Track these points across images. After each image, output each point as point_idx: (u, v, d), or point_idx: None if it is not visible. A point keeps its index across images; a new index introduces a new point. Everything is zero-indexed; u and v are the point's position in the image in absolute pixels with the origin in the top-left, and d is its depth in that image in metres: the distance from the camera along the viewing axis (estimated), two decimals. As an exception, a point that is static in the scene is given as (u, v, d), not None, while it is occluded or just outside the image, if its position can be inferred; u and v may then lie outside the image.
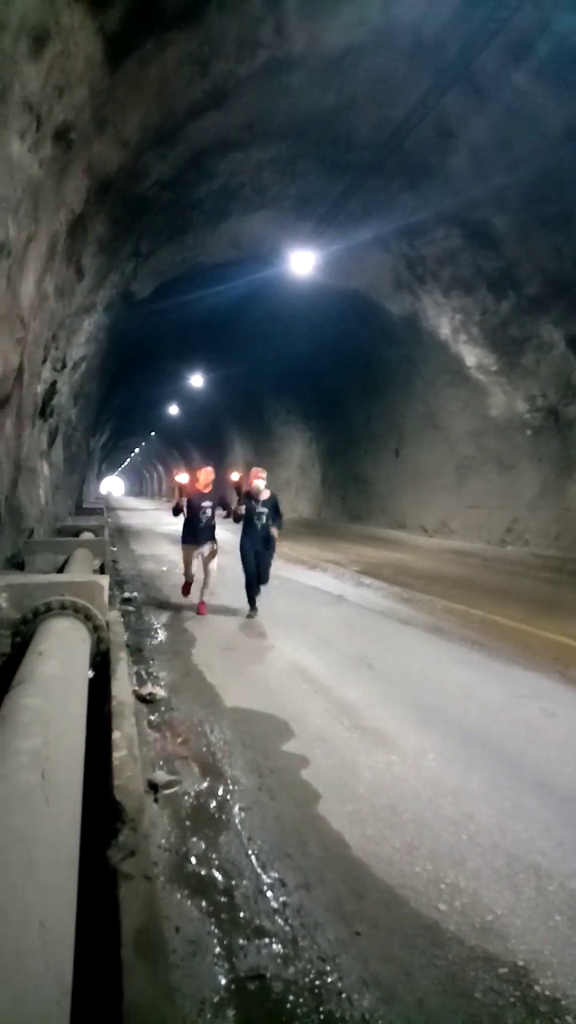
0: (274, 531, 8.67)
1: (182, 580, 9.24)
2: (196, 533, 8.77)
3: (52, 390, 9.89)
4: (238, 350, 25.03)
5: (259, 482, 8.67)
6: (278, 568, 12.94)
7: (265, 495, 8.69)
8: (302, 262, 15.31)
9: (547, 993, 2.25)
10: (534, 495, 14.92)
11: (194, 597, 8.92)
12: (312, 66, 9.19)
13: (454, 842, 3.17)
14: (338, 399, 23.62)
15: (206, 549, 8.74)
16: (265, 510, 8.57)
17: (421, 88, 9.66)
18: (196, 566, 8.87)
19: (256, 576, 8.54)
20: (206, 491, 8.91)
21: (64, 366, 10.50)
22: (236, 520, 8.63)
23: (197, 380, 30.25)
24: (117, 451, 64.97)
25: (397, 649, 6.88)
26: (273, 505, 8.69)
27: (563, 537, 13.97)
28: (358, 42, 8.92)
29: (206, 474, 8.99)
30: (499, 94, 9.73)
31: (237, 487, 8.90)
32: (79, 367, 12.49)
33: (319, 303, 19.13)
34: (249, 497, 8.58)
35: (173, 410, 40.40)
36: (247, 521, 8.54)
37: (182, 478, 9.26)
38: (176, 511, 8.88)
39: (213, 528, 8.87)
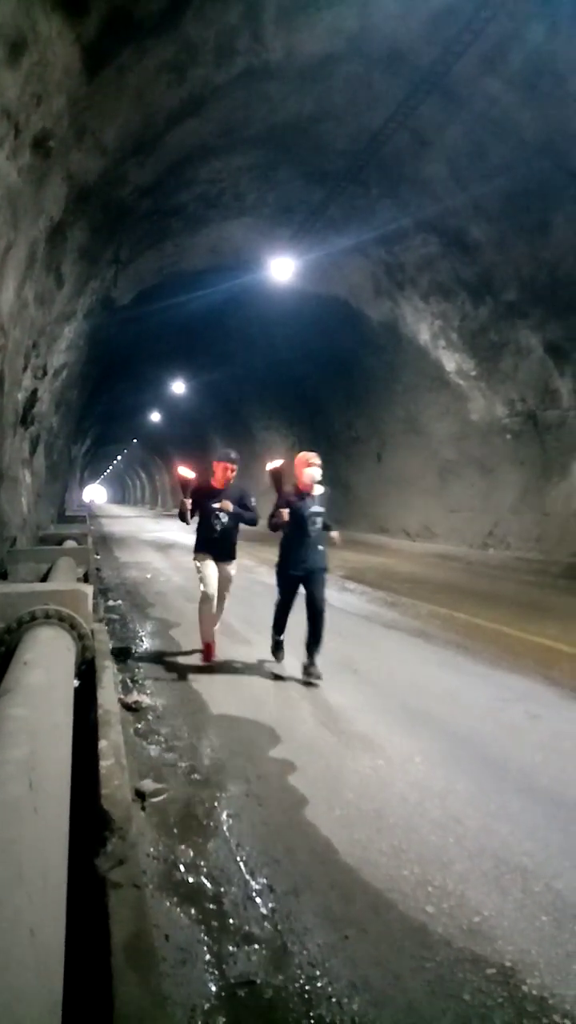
0: (335, 536, 6.52)
1: (166, 588, 8.84)
2: (210, 545, 6.70)
3: (33, 398, 9.84)
4: (219, 356, 25.06)
5: (312, 471, 6.43)
6: (262, 575, 12.94)
7: (318, 491, 6.46)
8: (282, 269, 15.38)
9: (535, 993, 2.26)
10: (515, 499, 15.04)
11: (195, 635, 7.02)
12: (289, 74, 9.25)
13: (441, 845, 3.19)
14: (320, 404, 23.69)
15: (224, 571, 6.78)
16: (320, 510, 6.32)
17: (398, 97, 9.76)
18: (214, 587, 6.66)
19: (312, 609, 6.21)
20: (224, 488, 6.78)
21: (45, 374, 10.46)
22: (277, 528, 6.23)
23: (179, 387, 30.23)
24: (99, 459, 64.69)
25: (382, 653, 6.90)
26: (327, 503, 6.51)
27: (544, 540, 14.09)
28: (335, 51, 8.99)
29: (223, 469, 6.76)
30: (474, 103, 9.84)
31: (277, 480, 6.28)
32: (60, 375, 12.44)
33: (300, 309, 19.21)
34: (300, 494, 6.33)
35: (155, 417, 40.32)
36: (295, 527, 6.18)
37: (186, 472, 6.67)
38: (182, 516, 6.68)
39: (232, 541, 6.87)
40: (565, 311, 12.46)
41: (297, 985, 2.26)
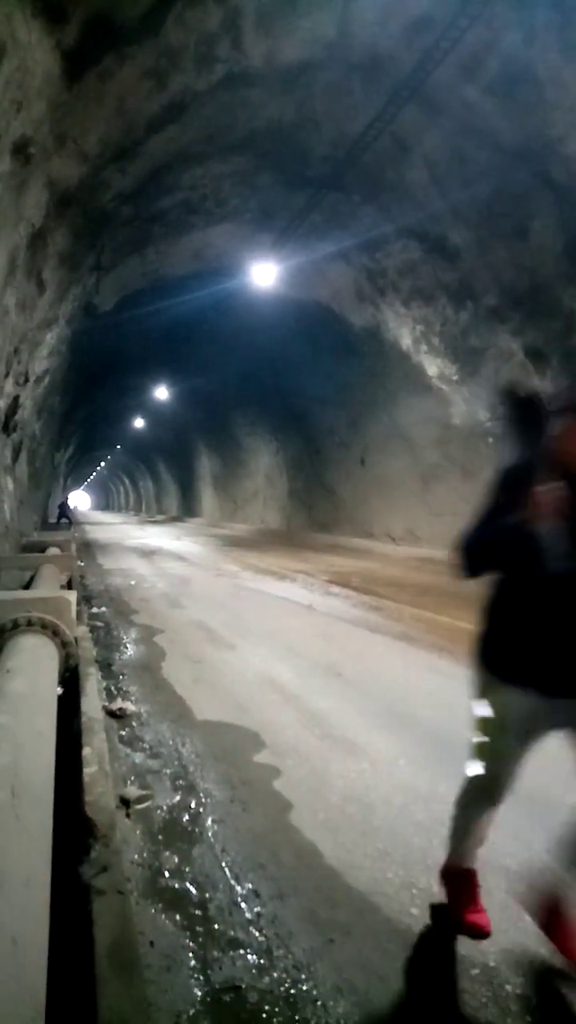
0: None
1: (150, 594, 8.72)
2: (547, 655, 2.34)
3: (15, 405, 9.80)
4: (202, 362, 25.06)
5: None
6: (246, 580, 12.95)
7: None
8: (264, 274, 15.42)
9: (518, 992, 2.28)
10: (498, 502, 15.13)
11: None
12: (270, 81, 9.30)
13: (426, 847, 3.20)
14: (303, 409, 23.75)
15: None
16: None
17: (378, 103, 9.83)
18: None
19: None
20: None
21: (27, 380, 10.42)
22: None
23: (162, 392, 30.18)
24: (83, 465, 64.40)
25: (366, 657, 6.92)
26: None
27: (527, 542, 14.18)
28: (314, 58, 9.05)
29: None
30: (453, 110, 9.93)
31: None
32: (42, 381, 12.40)
33: (282, 315, 19.26)
34: None
35: (139, 423, 40.21)
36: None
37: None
38: (497, 548, 2.50)
39: None
40: (544, 316, 12.57)
41: (282, 989, 2.27)
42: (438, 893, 2.75)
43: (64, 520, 29.46)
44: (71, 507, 31.91)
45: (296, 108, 10.28)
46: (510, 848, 3.19)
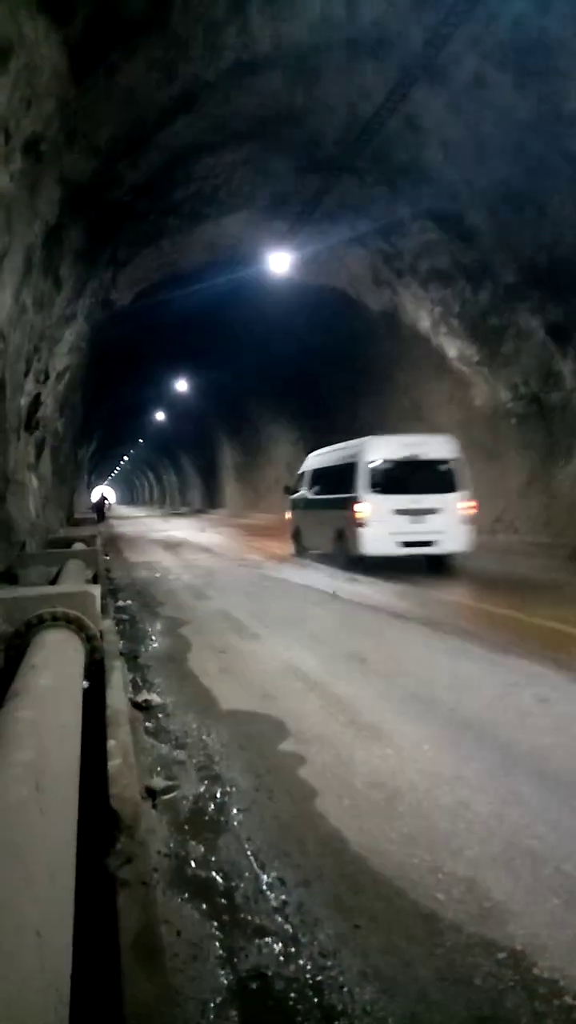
0: None
1: (176, 586, 8.81)
2: None
3: (36, 402, 9.88)
4: (221, 353, 25.06)
5: None
6: (269, 569, 12.98)
7: None
8: (280, 262, 15.37)
9: (545, 975, 2.28)
10: (522, 483, 15.00)
11: None
12: (279, 65, 9.23)
13: (451, 831, 3.20)
14: (323, 396, 23.67)
15: None
16: None
17: (388, 83, 9.72)
18: None
19: None
20: None
21: (47, 377, 10.50)
22: None
23: (181, 385, 30.27)
24: (106, 460, 64.87)
25: (390, 643, 6.92)
26: None
27: (552, 524, 14.05)
28: (323, 39, 8.96)
29: None
30: (466, 87, 9.79)
31: None
32: (63, 378, 12.48)
33: (299, 302, 19.18)
34: None
35: (159, 416, 40.39)
36: None
37: None
38: None
39: None
40: (564, 292, 12.39)
41: (308, 976, 2.29)
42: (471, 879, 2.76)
43: (101, 517, 29.64)
44: (108, 504, 32.17)
45: (306, 92, 10.19)
46: (537, 831, 3.18)
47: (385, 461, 12.08)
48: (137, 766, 3.00)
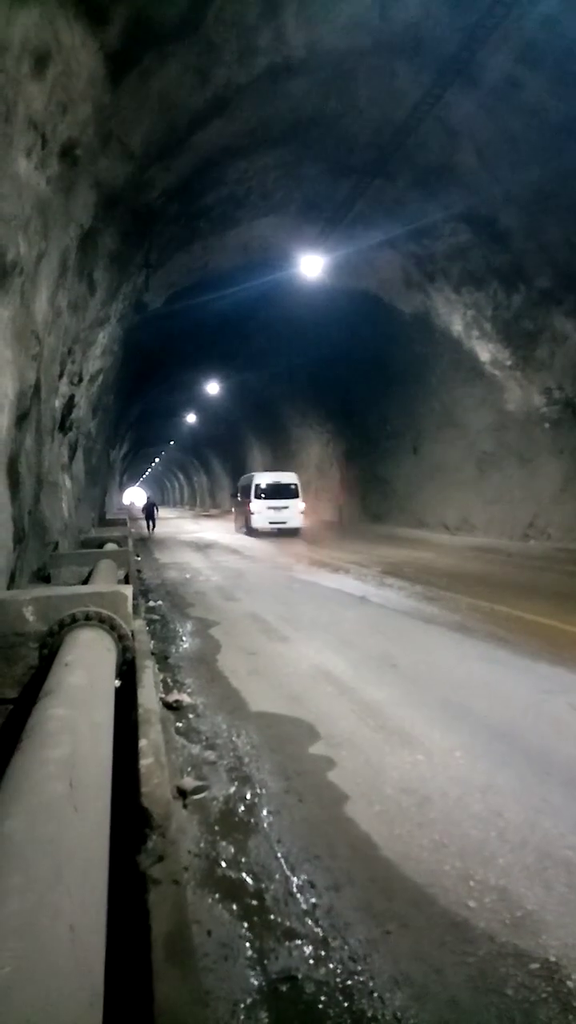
0: None
1: (206, 587, 8.85)
2: None
3: (70, 404, 9.99)
4: (251, 356, 25.15)
5: None
6: (299, 572, 12.98)
7: None
8: (311, 265, 15.38)
9: (580, 987, 2.24)
10: (555, 489, 14.81)
11: None
12: (312, 70, 9.24)
13: (483, 839, 3.17)
14: (353, 399, 23.62)
15: None
16: None
17: (422, 87, 9.68)
18: None
19: None
20: None
21: (81, 380, 10.62)
22: None
23: (212, 387, 30.42)
24: (138, 462, 65.45)
25: (421, 648, 6.86)
26: None
27: (586, 529, 13.86)
28: (357, 44, 8.96)
29: None
30: (500, 90, 9.71)
31: None
32: (96, 380, 12.61)
33: (329, 305, 19.17)
34: None
35: (190, 418, 40.65)
36: None
37: None
38: None
39: None
40: (601, 295, 12.23)
41: (338, 980, 2.27)
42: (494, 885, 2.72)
43: (151, 521, 27.88)
44: (155, 507, 29.42)
45: (339, 96, 10.19)
46: (571, 841, 3.13)
47: (264, 483, 23.79)
48: (168, 765, 3.02)
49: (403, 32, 8.89)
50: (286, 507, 23.11)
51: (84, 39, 5.68)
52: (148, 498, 31.30)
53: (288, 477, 24.20)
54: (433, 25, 8.75)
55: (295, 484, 23.81)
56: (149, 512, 28.58)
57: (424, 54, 9.24)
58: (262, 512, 23.00)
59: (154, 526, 27.73)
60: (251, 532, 23.20)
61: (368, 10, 8.40)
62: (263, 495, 23.34)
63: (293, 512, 23.21)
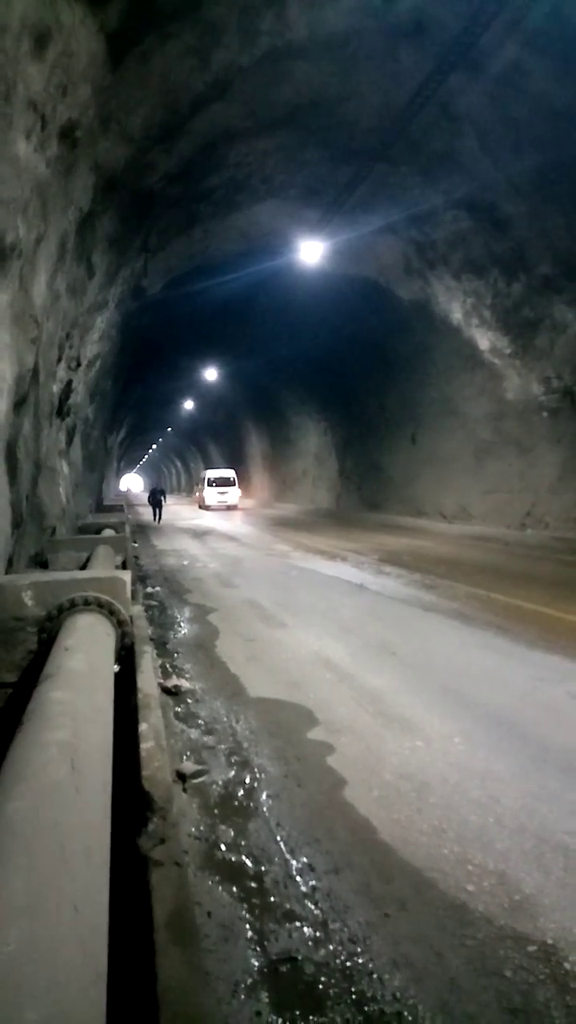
0: None
1: (203, 574, 8.89)
2: None
3: (68, 389, 9.95)
4: (250, 342, 25.04)
5: None
6: (297, 559, 12.99)
7: None
8: (311, 251, 15.29)
9: (577, 970, 2.26)
10: (554, 478, 14.81)
11: None
12: (314, 52, 9.14)
13: (481, 824, 3.19)
14: (352, 387, 23.56)
15: None
16: None
17: (424, 70, 9.57)
18: None
19: None
20: None
21: (79, 364, 10.57)
22: None
23: (211, 374, 30.32)
24: (135, 448, 65.31)
25: (419, 636, 6.88)
26: None
27: (584, 518, 13.87)
28: (359, 26, 8.85)
29: None
30: (503, 75, 9.61)
31: None
32: (94, 365, 12.55)
33: (329, 291, 19.08)
34: None
35: (188, 405, 40.53)
36: None
37: None
38: None
39: None
40: (602, 284, 12.18)
41: (338, 961, 2.29)
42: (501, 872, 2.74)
43: (158, 510, 26.53)
44: (163, 495, 27.88)
45: (340, 79, 10.08)
46: (567, 826, 3.15)
47: (213, 477, 35.49)
48: (168, 750, 3.02)
49: (406, 15, 8.78)
50: (227, 492, 34.93)
51: (84, 19, 5.61)
52: (155, 484, 32.88)
53: (228, 472, 36.09)
54: (437, 8, 8.64)
55: (233, 477, 35.62)
56: (156, 500, 26.96)
57: (426, 38, 9.13)
58: (212, 495, 34.69)
59: (161, 516, 26.39)
60: (204, 507, 34.70)
61: (371, -8, 8.30)
62: (213, 484, 35.27)
63: (232, 495, 34.83)
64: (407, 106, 10.35)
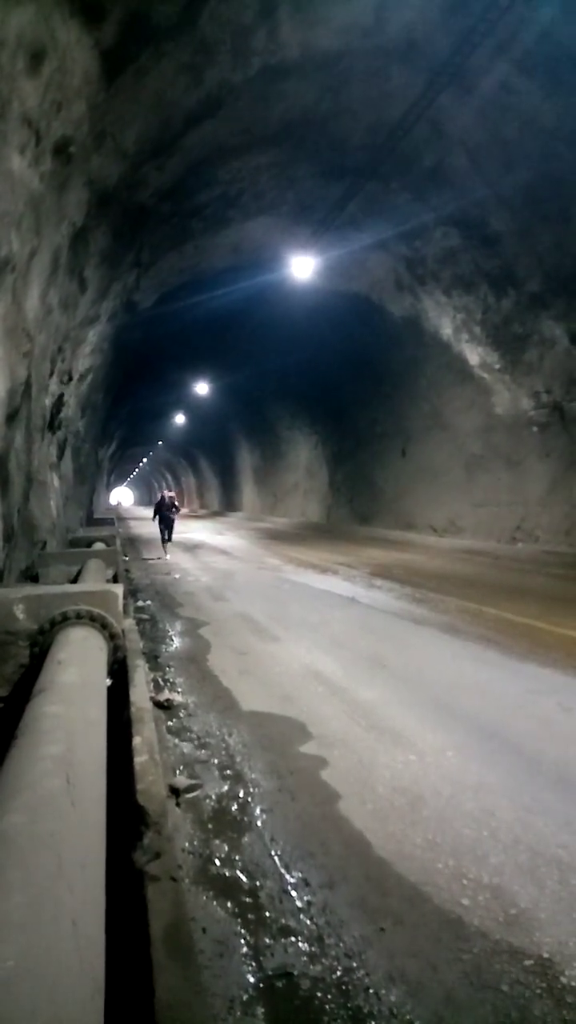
0: None
1: (194, 587, 8.85)
2: None
3: (60, 402, 9.96)
4: (242, 356, 25.14)
5: None
6: (288, 573, 12.99)
7: None
8: (302, 267, 15.40)
9: (573, 984, 2.25)
10: (543, 492, 14.89)
11: None
12: (306, 71, 9.25)
13: (476, 838, 3.18)
14: (343, 401, 23.67)
15: None
16: None
17: (415, 89, 9.71)
18: None
19: None
20: None
21: (71, 378, 10.58)
22: None
23: (202, 388, 30.39)
24: (125, 461, 65.23)
25: (411, 649, 6.88)
26: None
27: (573, 533, 13.94)
28: (351, 46, 8.98)
29: None
30: (493, 94, 9.77)
31: None
32: (85, 379, 12.57)
33: (321, 307, 19.21)
34: None
35: (179, 419, 40.57)
36: None
37: None
38: None
39: None
40: (590, 300, 12.31)
41: (334, 976, 2.28)
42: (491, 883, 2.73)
43: (167, 531, 18.41)
44: (175, 509, 19.04)
45: (332, 97, 10.21)
46: (562, 839, 3.14)
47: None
48: (161, 764, 3.01)
49: (397, 35, 8.92)
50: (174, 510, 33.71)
51: (80, 37, 5.67)
52: (163, 494, 19.43)
53: (171, 493, 33.32)
54: (428, 29, 8.78)
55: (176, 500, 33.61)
56: (164, 518, 18.42)
57: (418, 57, 9.28)
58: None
59: (170, 536, 18.60)
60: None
61: (363, 12, 8.42)
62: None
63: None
64: (398, 124, 10.49)
